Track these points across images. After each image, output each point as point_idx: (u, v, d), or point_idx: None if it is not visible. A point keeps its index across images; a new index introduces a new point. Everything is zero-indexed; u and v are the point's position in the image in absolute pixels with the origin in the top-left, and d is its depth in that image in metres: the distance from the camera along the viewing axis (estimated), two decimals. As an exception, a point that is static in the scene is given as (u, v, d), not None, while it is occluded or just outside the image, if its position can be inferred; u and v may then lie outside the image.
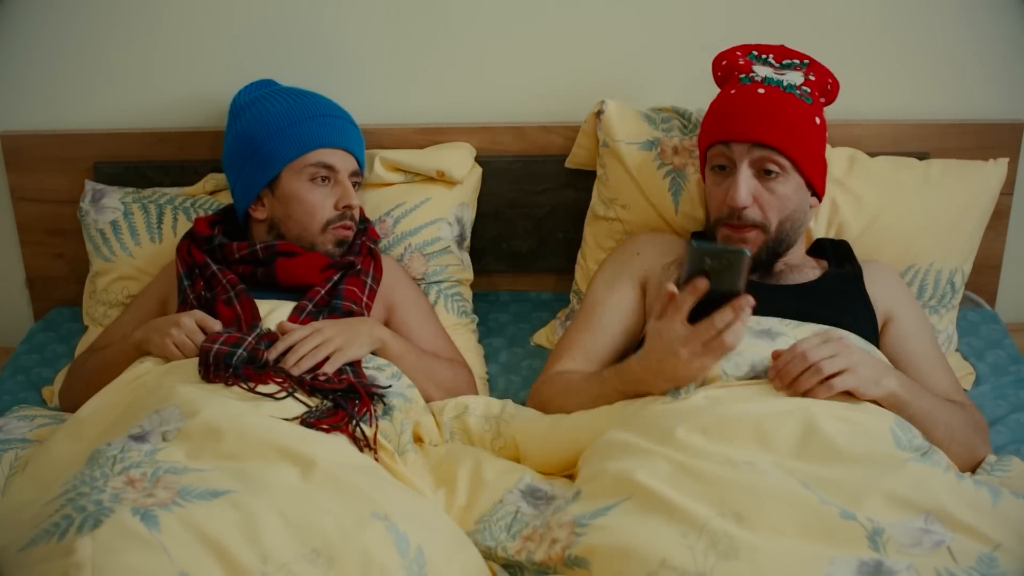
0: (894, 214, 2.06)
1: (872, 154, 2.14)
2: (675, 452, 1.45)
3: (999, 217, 2.22)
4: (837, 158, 2.10)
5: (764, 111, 1.80)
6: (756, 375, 1.62)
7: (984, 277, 2.27)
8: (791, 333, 1.70)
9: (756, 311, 1.56)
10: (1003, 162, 2.12)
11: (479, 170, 2.22)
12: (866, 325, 1.80)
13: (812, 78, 1.88)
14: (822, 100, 1.91)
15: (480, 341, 2.19)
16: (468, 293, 2.22)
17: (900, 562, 1.26)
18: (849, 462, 1.41)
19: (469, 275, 2.22)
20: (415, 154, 2.19)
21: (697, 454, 1.44)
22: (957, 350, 2.13)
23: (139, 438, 1.51)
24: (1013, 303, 2.36)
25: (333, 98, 2.09)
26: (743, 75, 1.88)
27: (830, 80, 1.92)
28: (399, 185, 2.18)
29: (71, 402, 1.91)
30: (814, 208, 1.90)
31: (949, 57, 2.19)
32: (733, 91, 1.86)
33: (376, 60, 2.23)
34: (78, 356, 2.08)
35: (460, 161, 2.18)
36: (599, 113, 2.14)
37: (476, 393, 1.99)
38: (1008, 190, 2.20)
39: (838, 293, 1.84)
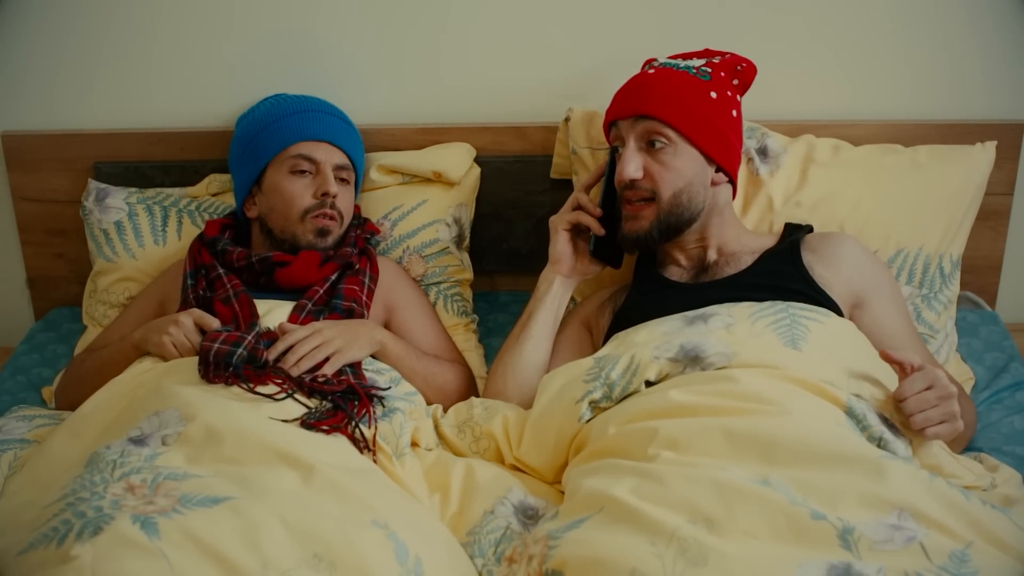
0: (879, 199, 2.05)
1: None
2: (646, 464, 1.46)
3: (999, 217, 2.22)
4: (821, 147, 2.11)
5: (648, 87, 1.85)
6: (686, 356, 1.63)
7: (984, 277, 2.27)
8: (724, 312, 1.71)
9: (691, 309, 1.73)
10: (991, 146, 2.12)
11: (477, 170, 2.22)
12: (806, 299, 1.77)
13: (716, 61, 1.91)
14: (735, 82, 1.92)
15: (480, 341, 2.19)
16: (468, 293, 2.22)
17: (871, 565, 1.26)
18: (823, 463, 1.41)
19: (469, 275, 2.22)
20: (411, 156, 2.19)
21: (667, 462, 1.45)
22: (957, 351, 2.11)
23: (138, 441, 1.51)
24: (1013, 303, 2.35)
25: (334, 98, 2.11)
26: (645, 65, 1.95)
27: (742, 64, 1.93)
28: (396, 187, 2.18)
29: (68, 401, 1.91)
30: (719, 186, 1.87)
31: (949, 57, 2.19)
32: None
33: (377, 61, 2.23)
34: (76, 356, 2.08)
35: (457, 161, 2.18)
36: (567, 120, 2.15)
37: (477, 394, 1.99)
38: (1008, 190, 2.20)
39: (772, 273, 1.82)
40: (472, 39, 2.21)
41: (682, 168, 1.81)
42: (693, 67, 1.87)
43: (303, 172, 1.96)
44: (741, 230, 1.94)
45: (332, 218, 1.96)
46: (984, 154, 2.11)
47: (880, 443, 1.52)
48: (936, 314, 2.07)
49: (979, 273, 2.26)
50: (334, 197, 1.95)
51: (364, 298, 1.94)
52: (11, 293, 2.43)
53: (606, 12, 2.18)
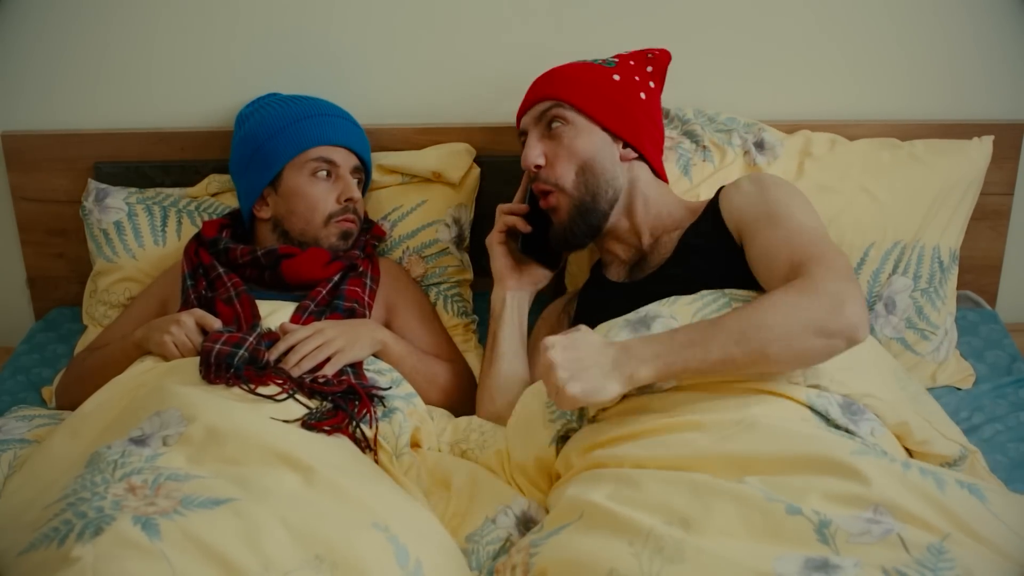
0: (875, 191, 2.05)
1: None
2: (624, 470, 1.46)
3: (999, 217, 2.22)
4: (818, 142, 2.12)
5: (546, 75, 1.90)
6: None
7: (984, 277, 2.27)
8: (666, 312, 1.63)
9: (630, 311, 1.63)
10: (987, 139, 2.13)
11: (477, 170, 2.22)
12: (733, 254, 1.69)
13: (626, 54, 1.95)
14: (649, 69, 1.93)
15: (480, 341, 2.19)
16: (468, 293, 2.22)
17: (847, 559, 1.26)
18: (796, 467, 1.40)
19: (469, 275, 2.22)
20: (411, 156, 2.19)
21: (642, 466, 1.46)
22: (956, 349, 2.12)
23: (139, 441, 1.51)
24: (1013, 303, 2.35)
25: (333, 97, 2.11)
26: None
27: (653, 52, 1.95)
28: (396, 187, 2.19)
29: (68, 400, 1.91)
30: (631, 162, 1.85)
31: (949, 57, 2.19)
32: None
33: (376, 60, 2.23)
34: (77, 355, 2.08)
35: (456, 162, 2.18)
36: None
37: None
38: (1008, 190, 2.21)
39: (696, 252, 1.75)
40: (472, 39, 2.21)
41: (582, 146, 1.81)
42: (600, 59, 1.92)
43: (324, 175, 1.97)
44: (673, 206, 1.87)
45: (353, 221, 1.98)
46: (981, 148, 2.12)
47: (846, 432, 1.51)
48: (936, 310, 2.07)
49: (979, 273, 2.26)
50: (356, 202, 1.98)
51: (366, 299, 1.95)
52: (11, 293, 2.43)
53: (605, 12, 2.18)
